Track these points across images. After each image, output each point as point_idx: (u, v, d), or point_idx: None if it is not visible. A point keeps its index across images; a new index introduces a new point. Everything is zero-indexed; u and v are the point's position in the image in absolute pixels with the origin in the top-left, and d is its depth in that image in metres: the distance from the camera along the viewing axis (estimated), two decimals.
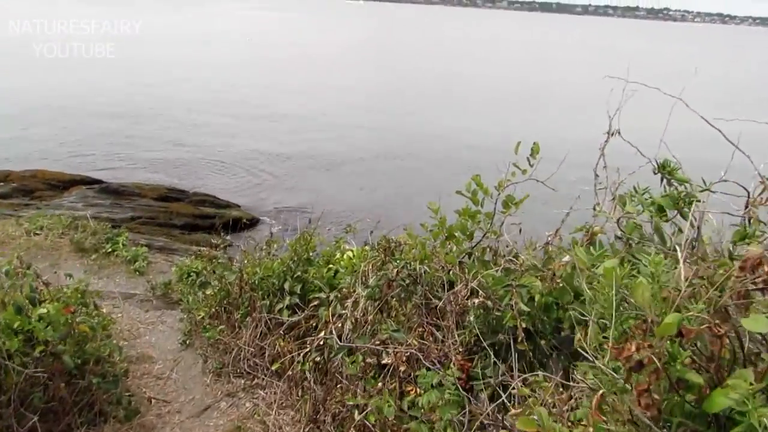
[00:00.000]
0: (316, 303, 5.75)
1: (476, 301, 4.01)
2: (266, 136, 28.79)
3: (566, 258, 3.89)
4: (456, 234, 4.65)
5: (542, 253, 5.40)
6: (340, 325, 4.77)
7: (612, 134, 3.47)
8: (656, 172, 2.77)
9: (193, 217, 17.41)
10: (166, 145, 25.45)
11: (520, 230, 5.44)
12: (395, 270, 4.78)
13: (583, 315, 3.85)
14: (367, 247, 6.59)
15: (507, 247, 4.76)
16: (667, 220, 2.68)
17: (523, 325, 3.49)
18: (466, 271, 4.45)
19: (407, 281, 4.87)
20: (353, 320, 4.73)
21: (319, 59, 64.65)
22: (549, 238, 5.37)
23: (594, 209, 4.12)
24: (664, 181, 2.77)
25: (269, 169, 23.71)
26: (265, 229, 17.16)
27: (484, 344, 4.02)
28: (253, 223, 18.18)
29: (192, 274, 8.17)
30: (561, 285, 3.88)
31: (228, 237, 17.88)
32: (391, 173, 23.84)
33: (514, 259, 4.48)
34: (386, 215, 15.18)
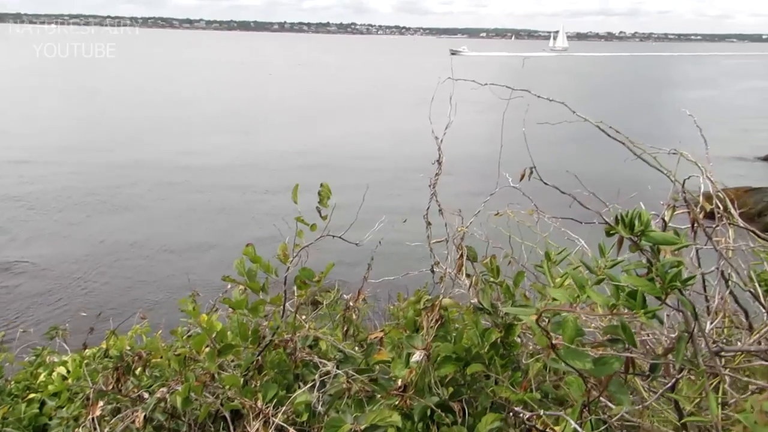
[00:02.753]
0: None
1: None
2: None
3: (416, 356, 2.58)
4: (233, 341, 3.04)
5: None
6: None
7: (528, 172, 2.23)
8: (611, 232, 1.60)
9: None
10: None
11: (316, 303, 4.07)
12: (143, 414, 2.99)
13: None
14: (88, 353, 4.63)
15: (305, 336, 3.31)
16: (653, 316, 1.53)
17: None
18: (260, 396, 2.88)
19: (164, 419, 3.12)
20: None
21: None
22: (350, 303, 4.08)
23: (432, 271, 2.89)
24: (625, 246, 1.63)
25: None
26: None
27: None
28: None
29: None
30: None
31: None
32: (115, 231, 19.34)
33: (324, 361, 3.04)
34: (114, 300, 12.00)
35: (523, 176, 2.45)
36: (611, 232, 1.60)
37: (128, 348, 4.04)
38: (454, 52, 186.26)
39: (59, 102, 51.70)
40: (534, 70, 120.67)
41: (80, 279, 14.84)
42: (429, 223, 2.73)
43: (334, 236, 3.19)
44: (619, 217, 1.55)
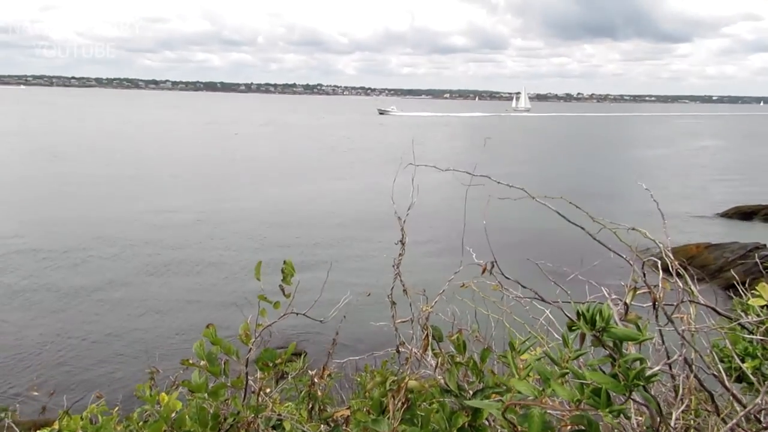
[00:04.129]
0: None
1: None
2: None
3: None
4: (192, 427, 2.91)
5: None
6: None
7: (489, 267, 2.22)
8: (573, 327, 1.59)
9: None
10: None
11: (277, 381, 3.97)
12: None
13: None
14: None
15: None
16: (618, 414, 1.51)
17: None
18: None
19: None
20: None
21: None
22: (315, 380, 3.99)
23: (398, 351, 2.85)
24: (588, 339, 1.62)
25: None
26: None
27: None
28: None
29: None
30: None
31: None
32: (73, 303, 18.32)
33: None
34: (70, 376, 11.37)
35: (484, 270, 2.46)
36: (573, 327, 1.59)
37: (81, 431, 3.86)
38: (382, 112, 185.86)
39: (25, 163, 51.00)
40: (502, 131, 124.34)
41: (34, 354, 14.01)
42: (393, 303, 2.70)
43: (297, 313, 3.14)
44: (580, 312, 1.55)
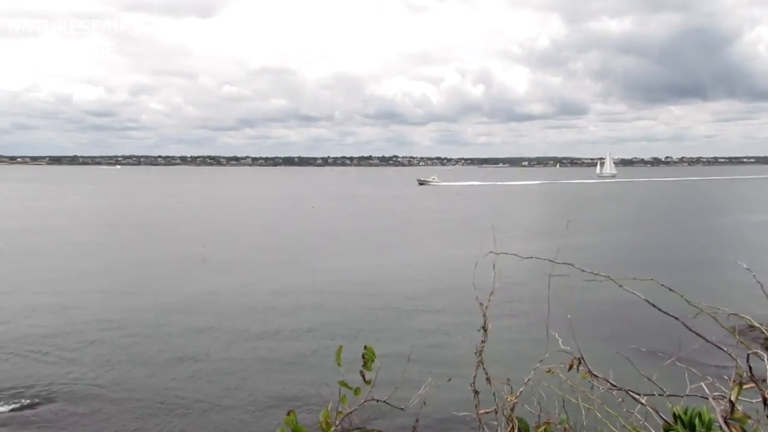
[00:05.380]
0: None
1: None
2: None
3: None
4: None
5: None
6: None
7: (576, 363, 2.15)
8: (670, 430, 1.48)
9: None
10: None
11: None
12: None
13: None
14: None
15: None
16: None
17: None
18: None
19: None
20: None
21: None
22: None
23: None
24: None
25: None
26: None
27: None
28: None
29: None
30: None
31: None
32: (152, 384, 18.58)
33: None
34: None
35: (571, 367, 2.35)
36: (669, 431, 1.48)
37: None
38: (422, 182, 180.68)
39: (106, 240, 53.82)
40: (587, 199, 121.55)
41: (118, 425, 14.36)
42: (476, 392, 2.62)
43: (378, 401, 3.09)
44: (677, 414, 1.44)
